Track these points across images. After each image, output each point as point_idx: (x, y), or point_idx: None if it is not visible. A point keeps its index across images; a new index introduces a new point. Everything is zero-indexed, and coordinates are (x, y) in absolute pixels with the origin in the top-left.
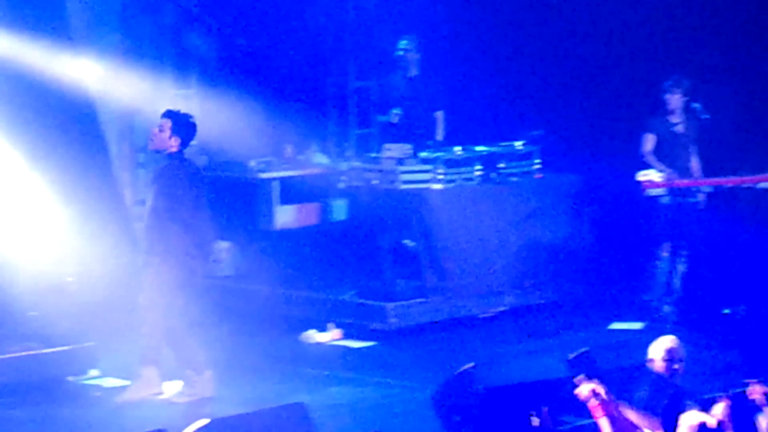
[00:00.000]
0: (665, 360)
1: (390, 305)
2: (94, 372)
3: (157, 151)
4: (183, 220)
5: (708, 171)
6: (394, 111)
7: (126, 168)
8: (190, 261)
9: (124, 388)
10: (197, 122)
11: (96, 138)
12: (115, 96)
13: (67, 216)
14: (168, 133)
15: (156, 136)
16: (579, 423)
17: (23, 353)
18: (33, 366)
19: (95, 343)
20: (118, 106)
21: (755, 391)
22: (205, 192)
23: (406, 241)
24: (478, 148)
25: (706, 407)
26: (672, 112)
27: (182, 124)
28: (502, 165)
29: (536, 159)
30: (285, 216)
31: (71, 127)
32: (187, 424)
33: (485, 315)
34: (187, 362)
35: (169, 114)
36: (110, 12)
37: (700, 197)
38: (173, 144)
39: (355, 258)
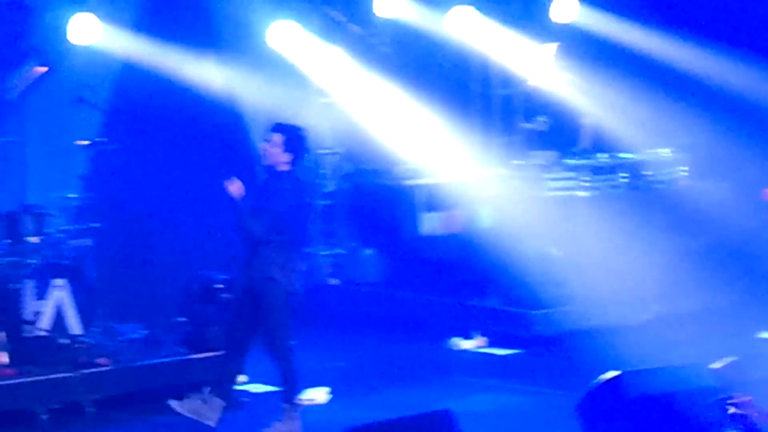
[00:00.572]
0: None
1: (535, 313)
2: (241, 378)
3: (270, 167)
4: (292, 235)
5: None
6: (541, 118)
7: None
8: (297, 277)
9: (271, 393)
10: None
11: (244, 144)
12: (262, 102)
13: (216, 222)
14: (279, 148)
15: (268, 151)
16: None
17: (172, 359)
18: (182, 371)
19: None
20: (264, 113)
21: None
22: (314, 208)
23: (551, 249)
24: (624, 155)
25: None
26: None
27: (293, 138)
28: (648, 172)
29: (683, 166)
30: (430, 223)
31: (219, 134)
32: (333, 429)
33: (631, 323)
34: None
35: (279, 128)
36: (257, 19)
37: None
38: (285, 159)
39: (500, 265)
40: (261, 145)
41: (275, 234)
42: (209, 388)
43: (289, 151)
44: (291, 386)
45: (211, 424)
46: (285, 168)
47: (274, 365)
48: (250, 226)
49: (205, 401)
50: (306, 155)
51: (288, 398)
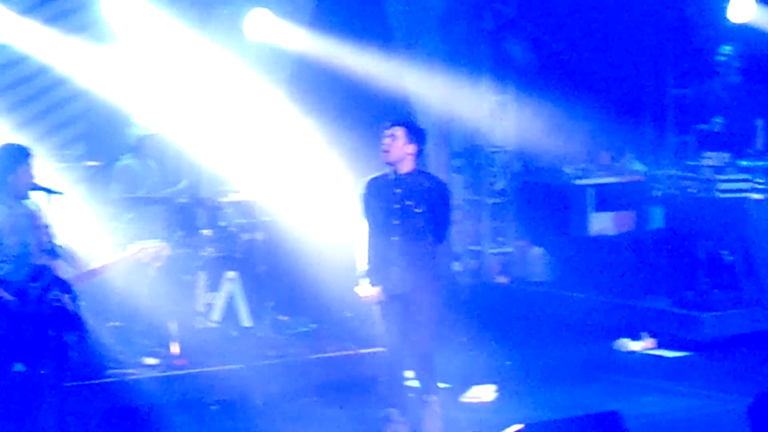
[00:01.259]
0: None
1: (706, 315)
2: (409, 374)
3: (391, 164)
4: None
5: None
6: (716, 119)
7: (443, 172)
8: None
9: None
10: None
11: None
12: (433, 100)
13: None
14: (402, 141)
15: (391, 147)
16: None
17: (341, 353)
18: (350, 366)
19: None
20: (435, 111)
21: None
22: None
23: (723, 252)
24: None
25: None
26: None
27: (415, 130)
28: None
29: None
30: (600, 223)
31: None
32: (500, 428)
33: None
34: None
35: (400, 121)
36: (430, 16)
37: None
38: (410, 151)
39: (671, 267)
40: (383, 140)
41: (427, 235)
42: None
43: (413, 143)
44: (433, 380)
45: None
46: (409, 162)
47: (417, 370)
48: (400, 229)
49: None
50: (425, 148)
51: (433, 390)
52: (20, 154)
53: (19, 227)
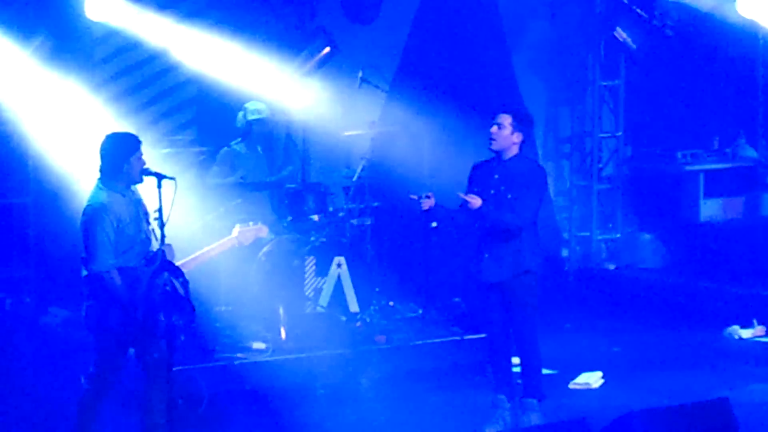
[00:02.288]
0: None
1: None
2: (515, 360)
3: (498, 152)
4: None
5: None
6: None
7: (551, 158)
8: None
9: (545, 376)
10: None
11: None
12: (542, 86)
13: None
14: (509, 129)
15: (498, 135)
16: None
17: (447, 338)
18: (457, 351)
19: None
20: (544, 97)
21: None
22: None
23: None
24: None
25: None
26: None
27: (522, 119)
28: None
29: None
30: (711, 209)
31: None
32: (608, 415)
33: None
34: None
35: (507, 110)
36: (540, 2)
37: None
38: (516, 140)
39: None
40: (491, 128)
41: (527, 223)
42: None
43: (519, 132)
44: (536, 382)
45: None
46: (514, 149)
47: (521, 358)
48: (501, 218)
49: None
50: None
51: (532, 393)
52: (132, 143)
53: (136, 215)
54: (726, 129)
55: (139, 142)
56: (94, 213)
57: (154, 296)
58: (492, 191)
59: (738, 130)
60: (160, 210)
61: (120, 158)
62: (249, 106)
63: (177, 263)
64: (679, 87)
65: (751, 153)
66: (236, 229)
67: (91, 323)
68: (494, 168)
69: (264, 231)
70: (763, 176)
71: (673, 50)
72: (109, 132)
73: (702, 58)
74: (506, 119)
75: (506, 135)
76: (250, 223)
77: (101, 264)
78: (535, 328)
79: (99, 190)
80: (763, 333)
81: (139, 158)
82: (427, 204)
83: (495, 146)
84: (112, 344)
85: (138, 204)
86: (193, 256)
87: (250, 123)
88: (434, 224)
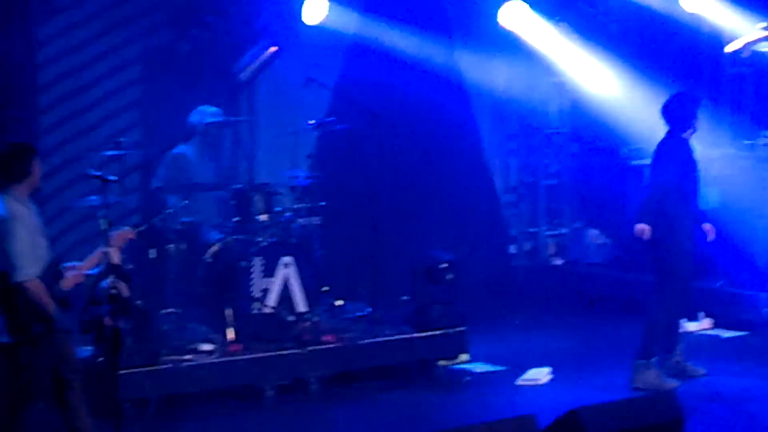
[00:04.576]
0: None
1: (764, 294)
2: (464, 357)
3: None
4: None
5: None
6: None
7: (497, 155)
8: None
9: (493, 373)
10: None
11: (469, 125)
12: (488, 83)
13: (441, 202)
14: None
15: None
16: None
17: (396, 337)
18: (405, 350)
19: (466, 329)
20: (490, 94)
21: None
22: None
23: None
24: None
25: None
26: None
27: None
28: None
29: None
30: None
31: (445, 113)
32: (556, 411)
33: None
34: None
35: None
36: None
37: None
38: None
39: (728, 246)
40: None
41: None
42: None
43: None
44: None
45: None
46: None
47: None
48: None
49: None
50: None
51: (641, 355)
52: (30, 154)
53: (39, 226)
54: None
55: (35, 154)
56: (7, 222)
57: (99, 300)
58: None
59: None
60: (105, 213)
61: (23, 171)
62: (204, 108)
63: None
64: (624, 82)
65: (695, 147)
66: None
67: (12, 333)
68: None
69: (131, 234)
70: (707, 170)
71: (619, 45)
72: (7, 144)
73: (647, 53)
74: None
75: None
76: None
77: (23, 274)
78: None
79: (7, 199)
80: (710, 326)
81: (38, 169)
82: None
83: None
84: (33, 353)
85: (38, 213)
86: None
87: (203, 126)
88: None
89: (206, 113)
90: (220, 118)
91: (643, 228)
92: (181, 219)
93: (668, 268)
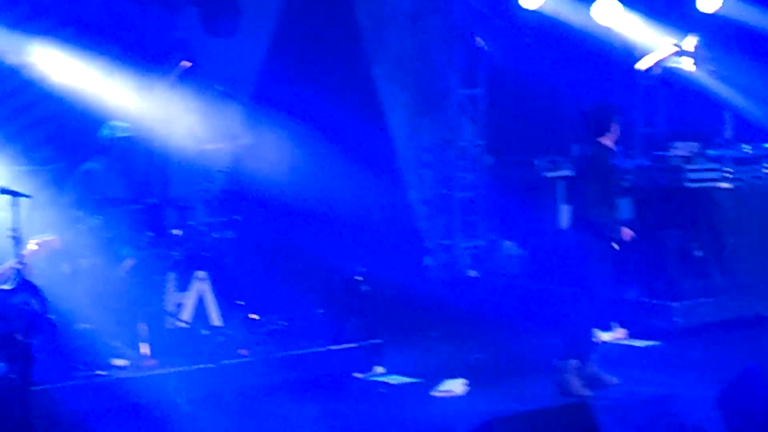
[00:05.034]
0: None
1: (676, 304)
2: (380, 369)
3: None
4: None
5: None
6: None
7: (412, 168)
8: None
9: (409, 385)
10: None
11: (383, 138)
12: (400, 96)
13: (356, 215)
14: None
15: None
16: None
17: (311, 350)
18: (321, 362)
19: (382, 341)
20: (403, 107)
21: None
22: None
23: (692, 241)
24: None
25: None
26: None
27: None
28: None
29: None
30: (570, 215)
31: (359, 127)
32: (471, 422)
33: None
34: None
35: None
36: (399, 13)
37: None
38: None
39: (641, 256)
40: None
41: None
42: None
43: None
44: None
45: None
46: None
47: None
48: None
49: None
50: None
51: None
52: None
53: None
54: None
55: None
56: None
57: (11, 316)
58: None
59: None
60: (15, 228)
61: None
62: (114, 123)
63: None
64: (538, 95)
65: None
66: (31, 242)
67: None
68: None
69: (57, 242)
70: (620, 181)
71: (533, 59)
72: None
73: (560, 66)
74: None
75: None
76: (43, 235)
77: None
78: None
79: None
80: (624, 336)
81: None
82: None
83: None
84: None
85: None
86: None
87: (114, 140)
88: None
89: (116, 128)
90: (129, 133)
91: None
92: (93, 234)
93: (588, 276)
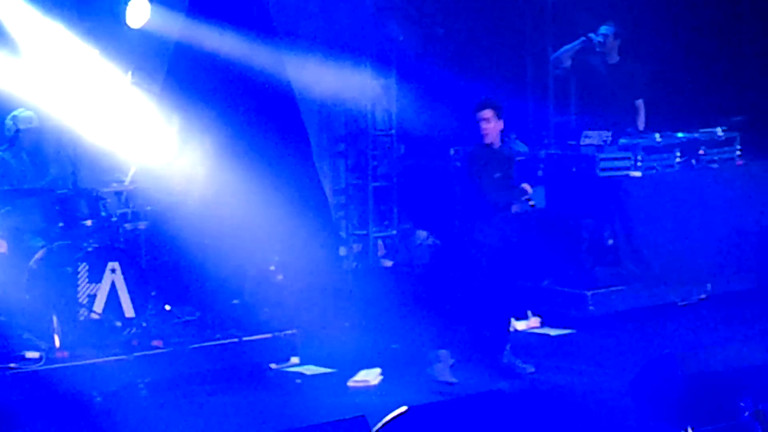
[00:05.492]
0: None
1: (589, 293)
2: (295, 359)
3: (491, 145)
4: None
5: None
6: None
7: (325, 157)
8: None
9: (324, 375)
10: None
11: (296, 128)
12: (315, 86)
13: (270, 205)
14: (495, 121)
15: (487, 128)
16: None
17: (226, 341)
18: (235, 353)
19: (297, 331)
20: (318, 96)
21: None
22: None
23: (605, 230)
24: (679, 135)
25: None
26: None
27: (500, 108)
28: (702, 152)
29: (737, 145)
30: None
31: (273, 117)
32: (387, 411)
33: (685, 303)
34: None
35: (487, 103)
36: (310, 1)
37: None
38: (501, 128)
39: (554, 245)
40: (481, 125)
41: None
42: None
43: (501, 119)
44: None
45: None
46: (498, 138)
47: None
48: (497, 198)
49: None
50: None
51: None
52: None
53: None
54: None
55: None
56: None
57: None
58: (496, 175)
59: (510, 126)
60: None
61: None
62: (18, 114)
63: None
64: (451, 84)
65: (521, 147)
66: None
67: None
68: (489, 155)
69: (3, 246)
70: (533, 170)
71: (445, 47)
72: None
73: (472, 54)
74: (489, 113)
75: (493, 126)
76: None
77: None
78: None
79: None
80: (538, 324)
81: None
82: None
83: (489, 140)
84: None
85: None
86: None
87: (18, 131)
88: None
89: (19, 118)
90: (33, 124)
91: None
92: (3, 225)
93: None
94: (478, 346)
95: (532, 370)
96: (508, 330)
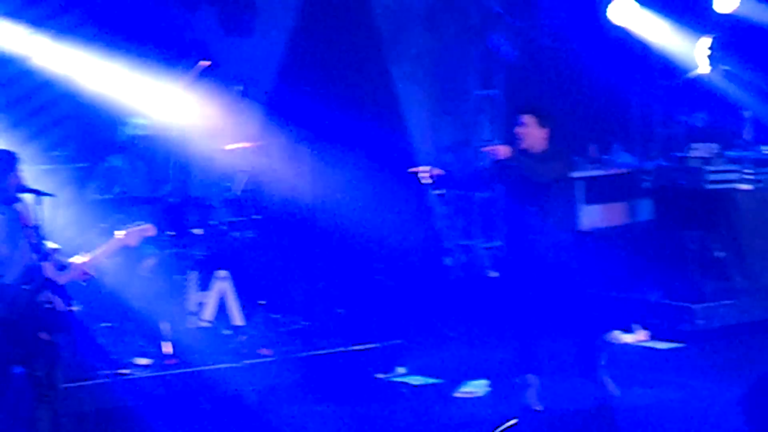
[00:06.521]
0: None
1: (697, 306)
2: (401, 369)
3: (525, 151)
4: None
5: None
6: (699, 114)
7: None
8: None
9: (430, 386)
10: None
11: (402, 138)
12: (419, 96)
13: (374, 214)
14: (536, 127)
15: (525, 134)
16: None
17: (333, 350)
18: (342, 363)
19: (402, 341)
20: (421, 107)
21: None
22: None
23: (713, 243)
24: None
25: None
26: None
27: (546, 115)
28: None
29: None
30: (590, 216)
31: (378, 127)
32: (495, 423)
33: None
34: None
35: (529, 109)
36: (415, 12)
37: None
38: (544, 136)
39: (661, 258)
40: (517, 129)
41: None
42: None
43: (545, 127)
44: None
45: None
46: (543, 145)
47: None
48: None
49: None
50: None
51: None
52: (9, 160)
53: (11, 232)
54: (602, 137)
55: (16, 160)
56: None
57: (36, 314)
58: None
59: (614, 138)
60: (37, 227)
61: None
62: (132, 121)
63: (61, 277)
64: (556, 95)
65: (627, 160)
66: (120, 232)
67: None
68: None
69: (151, 230)
70: (639, 183)
71: (550, 60)
72: None
73: (578, 67)
74: (531, 119)
75: (533, 132)
76: (137, 223)
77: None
78: None
79: None
80: (645, 337)
81: (16, 176)
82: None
83: (523, 146)
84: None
85: (18, 220)
86: (76, 265)
87: (133, 138)
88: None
89: (136, 126)
90: (149, 131)
91: None
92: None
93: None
94: (570, 362)
95: (619, 393)
96: (601, 346)
